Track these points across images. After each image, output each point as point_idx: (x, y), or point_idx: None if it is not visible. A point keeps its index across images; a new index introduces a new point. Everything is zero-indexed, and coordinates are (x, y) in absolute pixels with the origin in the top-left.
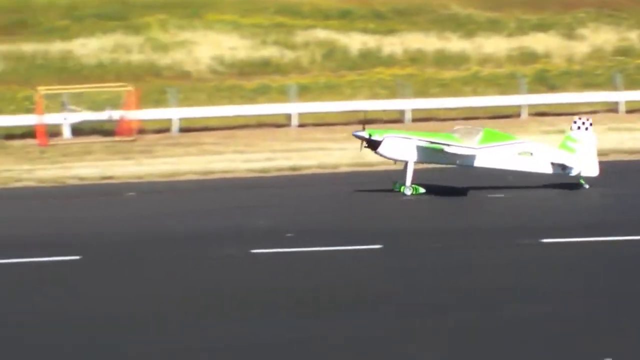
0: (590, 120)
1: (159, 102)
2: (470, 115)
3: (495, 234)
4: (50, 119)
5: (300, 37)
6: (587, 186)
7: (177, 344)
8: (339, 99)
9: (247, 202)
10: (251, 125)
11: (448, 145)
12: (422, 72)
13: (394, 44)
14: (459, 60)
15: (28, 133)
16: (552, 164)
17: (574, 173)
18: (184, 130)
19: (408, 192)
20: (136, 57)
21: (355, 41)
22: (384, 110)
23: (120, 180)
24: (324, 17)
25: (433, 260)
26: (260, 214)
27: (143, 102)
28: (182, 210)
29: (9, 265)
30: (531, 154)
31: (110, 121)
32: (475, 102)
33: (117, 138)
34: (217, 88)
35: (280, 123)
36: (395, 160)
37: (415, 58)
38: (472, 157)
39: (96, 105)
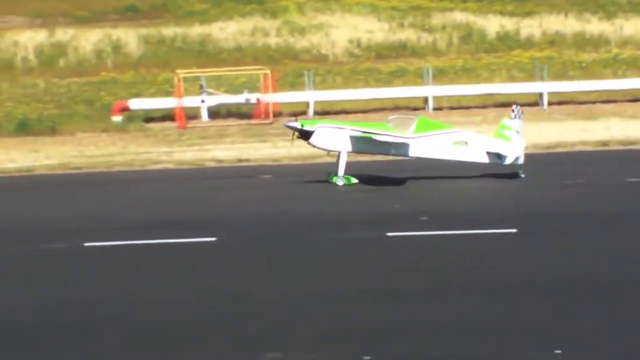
0: (520, 108)
1: (295, 85)
2: (609, 98)
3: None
4: (189, 101)
5: (437, 19)
6: (523, 175)
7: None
8: (475, 82)
9: (383, 185)
10: (387, 108)
11: (380, 134)
12: (561, 55)
13: (532, 26)
14: (599, 42)
15: (167, 116)
16: (488, 153)
17: (507, 162)
18: (319, 113)
19: (340, 182)
20: (273, 41)
21: (492, 23)
22: (521, 94)
23: (256, 162)
24: None
25: (568, 243)
26: (395, 198)
27: (279, 85)
28: (317, 192)
29: (152, 246)
30: (466, 143)
31: (247, 104)
32: (615, 85)
33: (253, 121)
34: (353, 71)
35: (416, 106)
36: (328, 151)
37: (553, 40)
38: (406, 147)
39: (233, 88)
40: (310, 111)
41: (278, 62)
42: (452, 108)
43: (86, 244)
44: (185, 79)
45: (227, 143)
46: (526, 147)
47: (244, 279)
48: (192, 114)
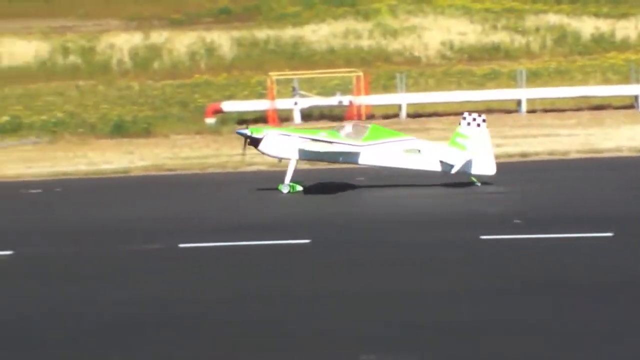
0: (483, 117)
1: (387, 88)
2: None
3: None
4: (282, 104)
5: (530, 21)
6: (479, 184)
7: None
8: (569, 85)
9: (474, 188)
10: (480, 111)
11: (328, 142)
12: None
13: (627, 28)
14: None
15: (260, 118)
16: (441, 162)
17: (453, 170)
18: (411, 115)
19: (285, 190)
20: (366, 43)
21: (587, 25)
22: (616, 96)
23: (350, 165)
24: (556, 1)
25: None
26: (489, 200)
27: (372, 87)
28: (408, 195)
29: (245, 247)
30: (419, 151)
31: (339, 106)
32: None
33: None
34: (445, 73)
35: (509, 109)
36: (279, 158)
37: None
38: (356, 155)
39: (326, 90)
40: (403, 113)
41: (370, 64)
42: (545, 111)
43: (181, 245)
44: (278, 82)
45: None
46: (496, 157)
47: (340, 279)
48: (285, 116)
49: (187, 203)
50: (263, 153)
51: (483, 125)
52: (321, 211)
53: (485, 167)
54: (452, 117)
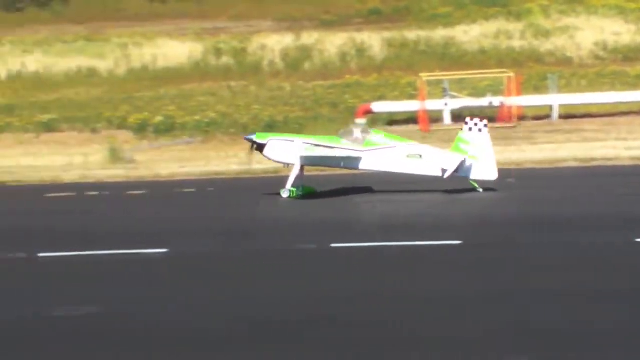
0: (485, 122)
1: (539, 89)
2: None
3: None
4: (432, 105)
5: None
6: (480, 190)
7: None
8: None
9: (631, 190)
10: (634, 112)
11: (331, 147)
12: None
13: None
14: None
15: (410, 119)
16: (442, 168)
17: (446, 175)
18: (563, 117)
19: (284, 194)
20: (517, 44)
21: None
22: None
23: (500, 166)
24: None
25: None
26: None
27: (523, 88)
28: (560, 196)
29: (400, 247)
30: (420, 156)
31: (490, 107)
32: None
33: (497, 124)
34: (599, 74)
35: None
36: (284, 164)
37: None
38: (357, 160)
39: (477, 91)
40: (554, 114)
41: (522, 65)
42: None
43: (332, 245)
44: (429, 82)
45: None
46: (498, 161)
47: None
48: (435, 117)
49: (333, 204)
50: (268, 158)
51: (484, 130)
52: (474, 212)
53: (486, 172)
54: (606, 119)
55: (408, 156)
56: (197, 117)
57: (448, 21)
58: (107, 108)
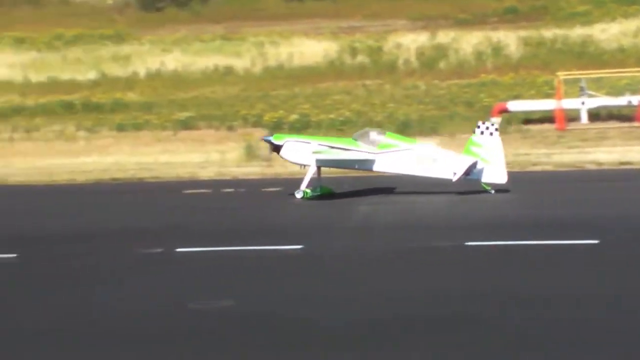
0: (496, 125)
1: None
2: None
3: None
4: (568, 104)
5: None
6: (492, 192)
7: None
8: None
9: None
10: None
11: (346, 150)
12: None
13: None
14: None
15: (546, 118)
16: (454, 170)
17: (455, 178)
18: None
19: (298, 195)
20: None
21: None
22: None
23: (638, 166)
24: None
25: None
26: None
27: None
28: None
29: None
30: (434, 159)
31: (629, 106)
32: None
33: (636, 124)
34: None
35: None
36: (300, 165)
37: None
38: (371, 162)
39: (614, 90)
40: None
41: None
42: None
43: (467, 243)
44: (566, 81)
45: (608, 146)
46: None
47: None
48: (571, 116)
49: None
50: (285, 159)
51: (496, 134)
52: (607, 213)
53: (496, 175)
54: None
55: (421, 159)
56: (331, 116)
57: (586, 19)
58: (243, 106)
